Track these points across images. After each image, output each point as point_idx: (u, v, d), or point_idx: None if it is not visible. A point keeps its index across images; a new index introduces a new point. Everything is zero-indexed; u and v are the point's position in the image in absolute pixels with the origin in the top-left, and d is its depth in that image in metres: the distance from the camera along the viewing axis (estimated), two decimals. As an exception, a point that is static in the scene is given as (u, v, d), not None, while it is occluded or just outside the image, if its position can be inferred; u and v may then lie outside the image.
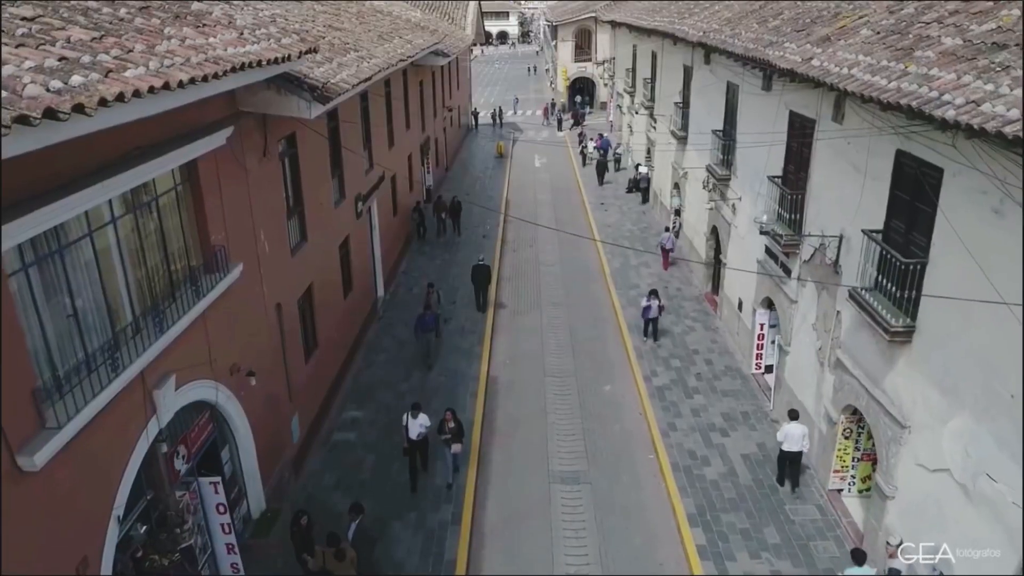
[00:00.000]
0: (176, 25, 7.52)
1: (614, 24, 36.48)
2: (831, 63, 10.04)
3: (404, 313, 19.12)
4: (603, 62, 48.69)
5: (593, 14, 47.69)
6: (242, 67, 7.18)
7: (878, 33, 10.16)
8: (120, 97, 5.04)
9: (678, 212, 23.20)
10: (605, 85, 47.43)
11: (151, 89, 5.43)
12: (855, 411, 10.96)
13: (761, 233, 13.29)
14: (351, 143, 16.47)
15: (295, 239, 12.79)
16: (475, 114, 49.03)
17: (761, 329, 15.17)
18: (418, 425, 12.24)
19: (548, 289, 21.30)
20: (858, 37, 10.48)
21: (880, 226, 9.92)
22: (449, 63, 31.29)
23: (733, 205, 16.90)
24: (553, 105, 52.77)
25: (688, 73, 21.63)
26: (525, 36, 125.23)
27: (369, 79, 12.57)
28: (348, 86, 11.28)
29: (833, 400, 11.51)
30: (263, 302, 11.01)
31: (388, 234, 21.01)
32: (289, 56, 8.57)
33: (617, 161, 36.13)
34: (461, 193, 31.47)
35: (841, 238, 11.21)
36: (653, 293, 17.39)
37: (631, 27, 29.26)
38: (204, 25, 8.06)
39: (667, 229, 23.15)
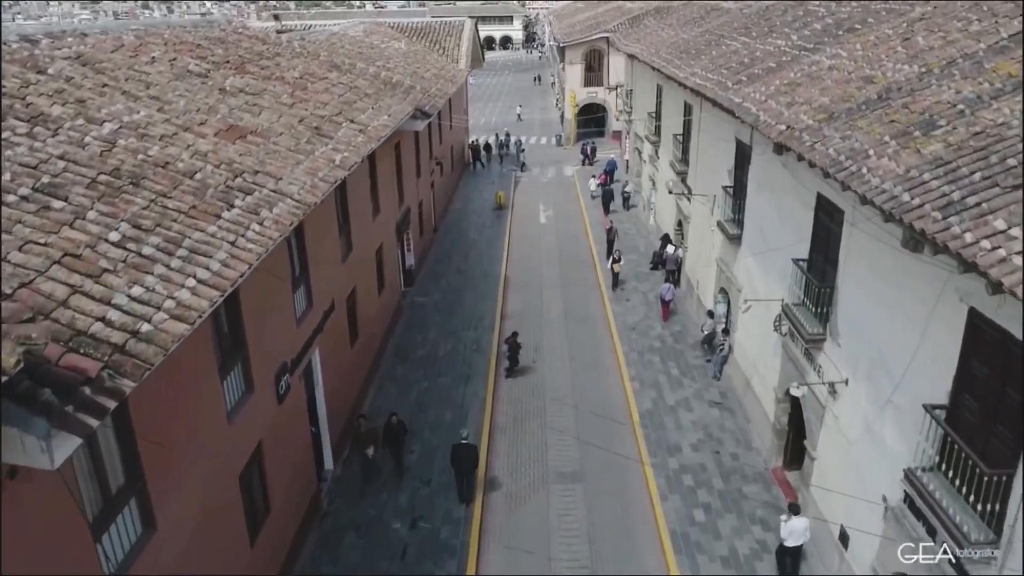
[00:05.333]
0: None
1: (632, 57, 30.97)
2: None
3: (361, 507, 13.74)
4: (616, 87, 43.10)
5: (605, 35, 42.16)
6: None
7: None
8: None
9: (727, 331, 17.74)
10: (618, 117, 41.90)
11: None
12: None
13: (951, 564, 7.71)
14: (272, 297, 11.10)
15: (129, 539, 7.43)
16: (473, 148, 43.44)
17: (892, 608, 9.81)
18: None
19: (558, 448, 15.81)
20: None
21: None
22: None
23: (832, 386, 11.48)
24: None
25: (744, 153, 16.19)
26: (530, 39, 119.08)
27: (247, 269, 7.13)
28: (180, 330, 5.85)
29: None
30: None
31: (340, 375, 15.56)
32: None
33: (626, 200, 32.39)
34: (452, 269, 26.17)
35: None
36: None
37: (656, 68, 23.73)
38: None
39: (667, 280, 22.45)
